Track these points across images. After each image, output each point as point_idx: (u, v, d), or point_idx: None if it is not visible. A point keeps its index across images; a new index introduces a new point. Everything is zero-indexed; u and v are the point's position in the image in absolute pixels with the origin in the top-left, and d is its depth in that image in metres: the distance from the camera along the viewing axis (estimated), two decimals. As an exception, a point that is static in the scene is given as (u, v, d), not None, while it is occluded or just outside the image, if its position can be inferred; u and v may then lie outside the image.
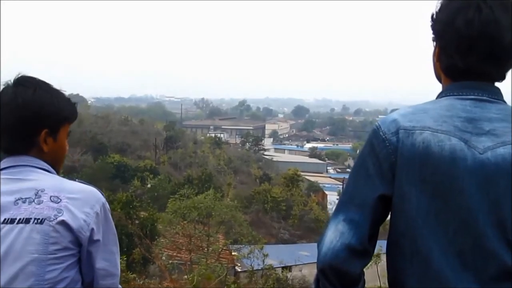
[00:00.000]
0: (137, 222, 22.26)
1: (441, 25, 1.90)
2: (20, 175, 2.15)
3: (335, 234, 1.83)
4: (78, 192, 2.15)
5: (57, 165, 2.28)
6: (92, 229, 2.12)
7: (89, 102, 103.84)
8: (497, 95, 1.88)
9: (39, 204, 2.08)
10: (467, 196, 1.75)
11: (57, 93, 2.28)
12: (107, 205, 2.22)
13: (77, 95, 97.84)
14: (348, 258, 1.81)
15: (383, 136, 1.86)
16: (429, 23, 1.96)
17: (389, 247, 1.91)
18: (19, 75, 2.24)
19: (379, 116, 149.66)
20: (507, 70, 1.90)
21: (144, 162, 43.42)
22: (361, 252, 1.84)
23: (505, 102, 1.88)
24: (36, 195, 2.10)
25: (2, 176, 2.15)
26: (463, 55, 1.85)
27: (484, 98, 1.85)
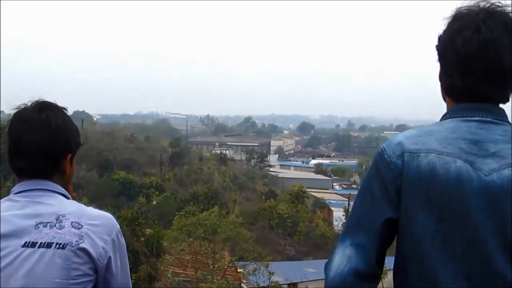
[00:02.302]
0: (142, 239, 22.23)
1: (443, 45, 1.92)
2: (40, 199, 2.15)
3: (342, 259, 1.83)
4: (97, 218, 2.16)
5: (67, 188, 2.30)
6: (110, 257, 2.14)
7: (94, 119, 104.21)
8: (502, 117, 1.87)
9: (60, 229, 2.08)
10: (473, 218, 1.74)
11: (71, 119, 2.32)
12: (121, 231, 2.24)
13: (83, 111, 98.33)
14: (356, 282, 1.81)
15: (388, 159, 1.86)
16: (434, 42, 1.97)
17: (396, 269, 1.90)
18: (41, 99, 2.26)
19: (385, 132, 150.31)
20: (509, 91, 1.90)
21: (149, 179, 43.47)
22: (369, 276, 1.83)
23: (509, 123, 1.87)
24: (57, 220, 2.10)
25: (20, 199, 2.15)
26: (462, 75, 1.86)
27: (489, 119, 1.85)
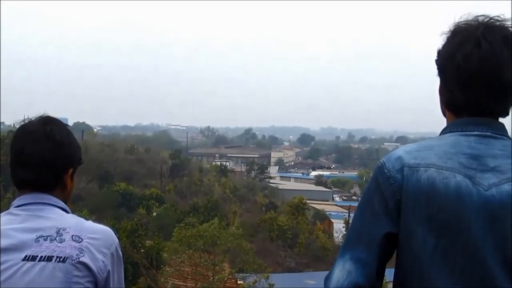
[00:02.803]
0: (142, 251, 22.21)
1: (442, 59, 1.92)
2: (40, 212, 2.16)
3: (342, 273, 1.83)
4: (97, 232, 2.17)
5: (66, 202, 2.31)
6: (109, 271, 2.15)
7: (95, 130, 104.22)
8: (502, 131, 1.87)
9: (61, 242, 2.09)
10: (473, 233, 1.73)
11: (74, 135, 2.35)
12: (119, 245, 2.26)
13: (83, 123, 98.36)
14: None
15: (388, 174, 1.86)
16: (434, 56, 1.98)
17: (396, 283, 1.90)
18: (44, 115, 2.28)
19: (385, 144, 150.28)
20: (509, 106, 1.90)
21: (149, 191, 43.43)
22: None
23: (509, 138, 1.88)
24: (57, 233, 2.11)
25: (21, 212, 2.16)
26: (462, 89, 1.86)
27: (489, 134, 1.85)
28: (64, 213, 2.21)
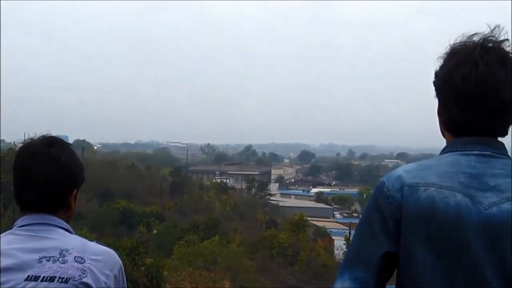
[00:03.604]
0: (142, 268, 22.12)
1: (440, 81, 1.94)
2: (44, 233, 2.17)
3: None
4: (100, 253, 2.18)
5: (69, 222, 2.31)
6: None
7: (95, 147, 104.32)
8: (501, 150, 1.89)
9: (63, 263, 2.09)
10: (474, 252, 1.74)
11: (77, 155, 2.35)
12: (123, 267, 2.26)
13: (84, 140, 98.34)
14: None
15: (388, 193, 1.86)
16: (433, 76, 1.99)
17: None
18: (48, 135, 2.29)
19: (385, 160, 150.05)
20: (508, 125, 1.92)
21: (150, 208, 43.36)
22: None
23: (509, 157, 1.89)
24: (60, 254, 2.11)
25: (23, 233, 2.17)
26: (461, 110, 1.87)
27: (488, 153, 1.86)
28: (67, 233, 2.21)
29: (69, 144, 2.33)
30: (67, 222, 2.26)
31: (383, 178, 1.92)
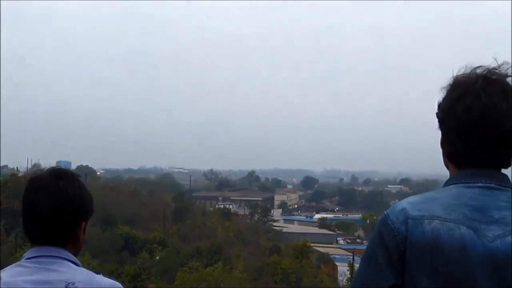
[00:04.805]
0: (145, 295, 21.99)
1: (443, 112, 1.95)
2: (51, 266, 2.17)
3: None
4: (106, 286, 2.18)
5: (77, 254, 2.32)
6: None
7: (98, 173, 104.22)
8: (505, 182, 1.89)
9: None
10: (478, 285, 1.74)
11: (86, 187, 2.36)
12: None
13: (87, 166, 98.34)
14: None
15: (392, 226, 1.86)
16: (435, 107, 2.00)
17: None
18: (56, 168, 2.31)
19: (388, 186, 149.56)
20: (510, 157, 1.92)
21: (152, 234, 43.28)
22: None
23: None
24: (66, 287, 2.12)
25: (31, 265, 2.17)
26: (464, 142, 1.88)
27: (492, 185, 1.86)
28: (74, 266, 2.22)
29: (78, 176, 2.34)
30: (76, 254, 2.27)
31: (387, 210, 1.92)
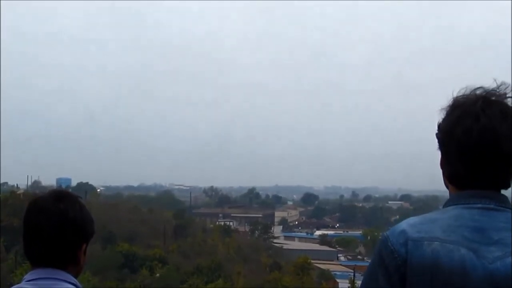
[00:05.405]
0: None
1: (442, 133, 1.96)
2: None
3: None
4: None
5: (78, 276, 2.33)
6: None
7: (98, 190, 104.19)
8: (505, 203, 1.89)
9: None
10: None
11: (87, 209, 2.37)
12: None
13: (87, 183, 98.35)
14: None
15: (392, 247, 1.86)
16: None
17: None
18: (57, 190, 2.34)
19: (389, 202, 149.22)
20: (510, 178, 1.93)
21: (153, 251, 43.15)
22: None
23: None
24: None
25: (31, 287, 2.18)
26: (463, 162, 1.89)
27: (492, 206, 1.87)
28: None
29: (78, 197, 2.35)
30: (76, 276, 2.27)
31: (387, 232, 1.93)
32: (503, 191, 1.93)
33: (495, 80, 1.93)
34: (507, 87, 1.91)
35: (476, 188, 1.89)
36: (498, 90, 1.91)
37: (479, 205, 1.87)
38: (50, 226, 2.19)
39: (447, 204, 1.95)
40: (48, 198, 2.26)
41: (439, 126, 1.98)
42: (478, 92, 1.92)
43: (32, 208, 2.26)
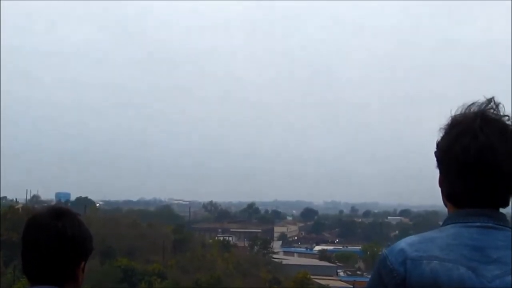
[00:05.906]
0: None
1: (441, 152, 1.96)
2: None
3: None
4: None
5: None
6: None
7: (97, 205, 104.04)
8: (503, 222, 1.90)
9: None
10: None
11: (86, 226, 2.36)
12: None
13: (86, 198, 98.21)
14: None
15: (391, 266, 1.87)
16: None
17: None
18: (56, 207, 2.33)
19: (389, 217, 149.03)
20: (509, 196, 1.93)
21: (152, 266, 43.03)
22: None
23: (511, 228, 1.89)
24: None
25: None
26: (462, 181, 1.89)
27: (490, 225, 1.87)
28: None
29: (77, 214, 2.34)
30: None
31: (386, 251, 1.92)
32: (501, 210, 1.93)
33: (484, 96, 1.93)
34: (499, 104, 1.92)
35: (475, 206, 1.89)
36: (495, 108, 1.91)
37: (478, 224, 1.86)
38: (49, 243, 2.18)
39: (446, 222, 1.95)
40: (46, 214, 2.25)
41: (437, 144, 1.98)
42: (473, 108, 1.92)
43: (31, 225, 2.25)
